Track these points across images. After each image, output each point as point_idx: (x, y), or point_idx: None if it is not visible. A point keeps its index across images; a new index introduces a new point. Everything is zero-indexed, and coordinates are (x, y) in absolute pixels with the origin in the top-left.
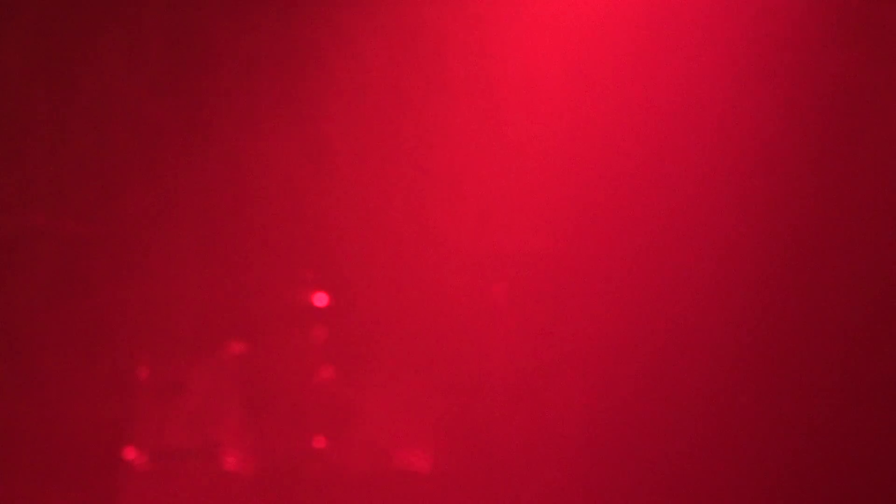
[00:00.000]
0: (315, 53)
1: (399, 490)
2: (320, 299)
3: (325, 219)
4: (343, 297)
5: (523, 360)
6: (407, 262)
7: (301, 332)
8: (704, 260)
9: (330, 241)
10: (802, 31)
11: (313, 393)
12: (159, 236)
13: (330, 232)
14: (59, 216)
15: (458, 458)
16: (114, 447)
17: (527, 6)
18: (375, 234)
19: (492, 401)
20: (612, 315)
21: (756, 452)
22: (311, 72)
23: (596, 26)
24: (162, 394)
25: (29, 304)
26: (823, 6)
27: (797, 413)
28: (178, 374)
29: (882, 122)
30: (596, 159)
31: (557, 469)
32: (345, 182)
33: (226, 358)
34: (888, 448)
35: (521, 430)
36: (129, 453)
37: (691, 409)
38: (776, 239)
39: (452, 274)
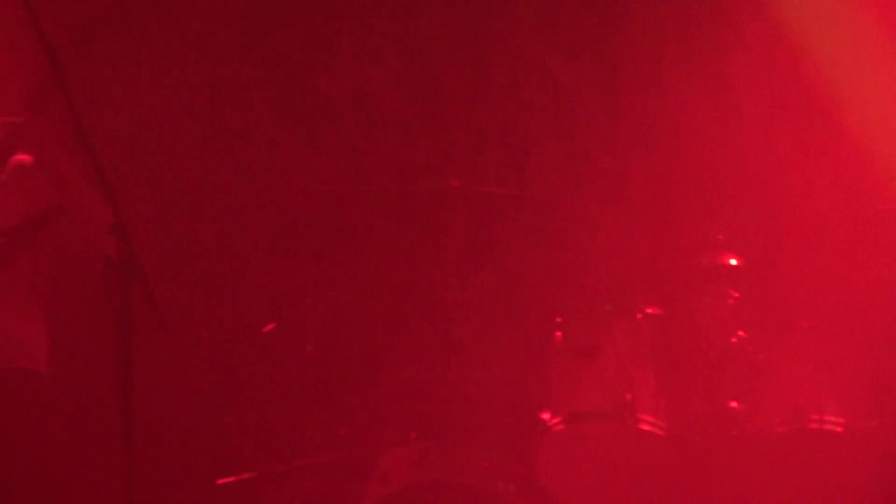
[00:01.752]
0: (723, 15)
1: (815, 452)
2: (733, 261)
3: (736, 179)
4: (755, 258)
5: None
6: (819, 223)
7: (714, 293)
8: None
9: (741, 202)
10: None
11: (727, 354)
12: (572, 198)
13: (741, 193)
14: (474, 180)
15: (874, 419)
16: (530, 409)
17: None
18: (787, 194)
19: None
20: None
21: None
22: (720, 33)
23: None
24: (577, 356)
25: (447, 268)
26: None
27: None
28: (592, 336)
29: None
30: None
31: None
32: (756, 143)
33: (639, 320)
34: None
35: None
36: (545, 415)
37: None
38: None
39: (868, 233)
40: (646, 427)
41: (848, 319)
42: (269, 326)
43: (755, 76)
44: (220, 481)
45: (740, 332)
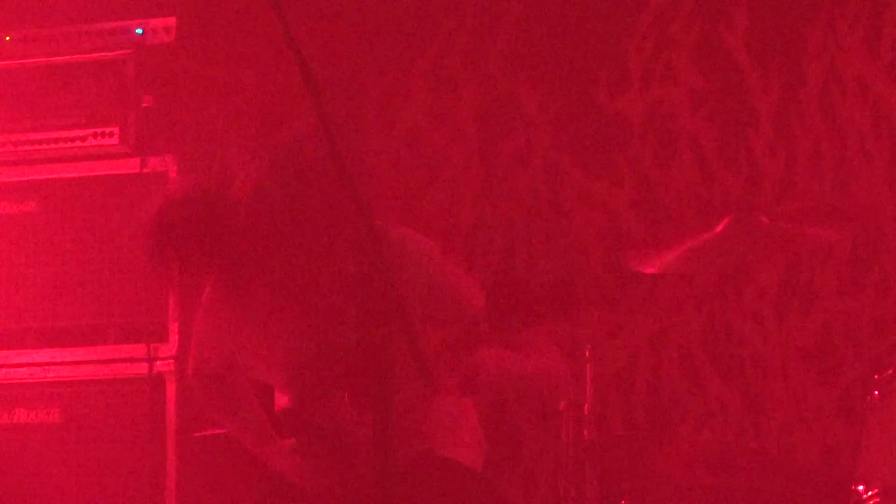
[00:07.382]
0: None
1: None
2: None
3: None
4: None
5: None
6: None
7: None
8: None
9: None
10: None
11: None
12: None
13: None
14: (785, 216)
15: None
16: (841, 479)
17: None
18: None
19: None
20: None
21: None
22: None
23: None
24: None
25: (748, 316)
26: None
27: None
28: None
29: None
30: None
31: None
32: None
33: None
34: None
35: None
36: (859, 486)
37: None
38: None
39: None
40: None
41: None
42: None
43: None
44: None
45: None
